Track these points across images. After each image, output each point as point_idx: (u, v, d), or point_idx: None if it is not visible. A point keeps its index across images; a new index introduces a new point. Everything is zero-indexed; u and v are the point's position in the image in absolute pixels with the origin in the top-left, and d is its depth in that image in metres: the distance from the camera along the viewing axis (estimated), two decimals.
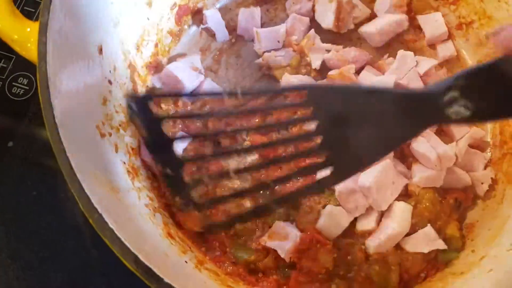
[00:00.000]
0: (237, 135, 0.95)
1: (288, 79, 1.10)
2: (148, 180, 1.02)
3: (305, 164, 0.78)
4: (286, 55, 1.14)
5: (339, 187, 0.97)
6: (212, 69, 1.18)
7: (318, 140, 0.75)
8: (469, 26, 1.15)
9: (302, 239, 0.95)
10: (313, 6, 1.18)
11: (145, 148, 0.98)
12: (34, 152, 1.16)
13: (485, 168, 1.07)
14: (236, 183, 0.96)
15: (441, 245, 0.97)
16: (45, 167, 1.13)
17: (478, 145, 1.09)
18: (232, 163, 0.88)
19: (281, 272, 0.98)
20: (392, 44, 1.17)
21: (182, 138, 0.90)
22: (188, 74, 1.10)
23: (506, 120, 1.05)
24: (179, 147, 0.92)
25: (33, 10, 1.26)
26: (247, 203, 0.92)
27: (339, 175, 0.75)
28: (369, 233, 0.98)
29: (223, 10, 1.21)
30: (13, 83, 1.19)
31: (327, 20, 1.15)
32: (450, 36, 1.17)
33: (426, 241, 0.97)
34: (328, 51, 1.13)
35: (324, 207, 0.99)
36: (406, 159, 1.04)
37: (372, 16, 1.18)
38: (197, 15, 1.20)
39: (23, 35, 0.84)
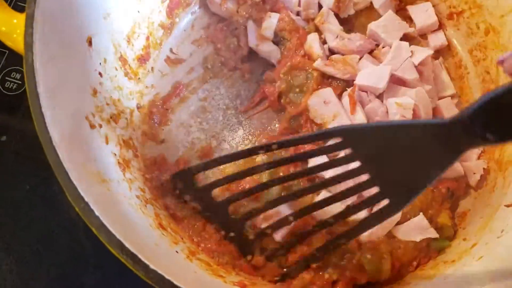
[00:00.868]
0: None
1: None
2: (140, 172, 1.03)
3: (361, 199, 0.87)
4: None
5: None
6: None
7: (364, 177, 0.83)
8: (459, 15, 1.15)
9: (296, 224, 0.97)
10: None
11: None
12: (27, 146, 1.16)
13: (478, 158, 1.08)
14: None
15: (432, 233, 0.97)
16: (38, 161, 1.11)
17: None
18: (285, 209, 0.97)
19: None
20: None
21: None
22: None
23: None
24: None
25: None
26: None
27: (396, 205, 0.82)
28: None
29: None
30: (6, 78, 1.19)
31: (328, 0, 1.14)
32: (441, 26, 1.17)
33: (418, 229, 0.98)
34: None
35: None
36: None
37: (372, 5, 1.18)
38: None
39: (9, 26, 0.85)
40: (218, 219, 0.99)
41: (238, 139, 1.13)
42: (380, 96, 1.07)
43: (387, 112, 1.05)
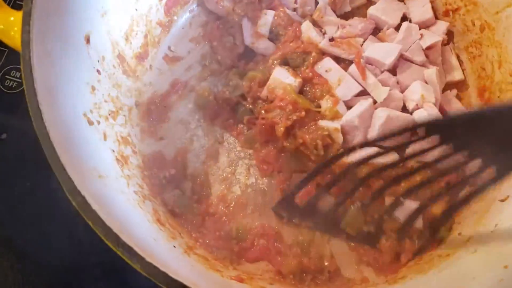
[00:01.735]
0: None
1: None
2: (139, 169, 1.04)
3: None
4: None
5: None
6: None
7: None
8: (455, 12, 1.15)
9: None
10: None
11: None
12: (27, 144, 1.16)
13: None
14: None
15: None
16: (38, 159, 1.14)
17: None
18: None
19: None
20: None
21: None
22: None
23: None
24: None
25: None
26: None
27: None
28: None
29: None
30: (6, 76, 1.20)
31: None
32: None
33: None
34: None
35: None
36: None
37: (368, 4, 1.19)
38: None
39: (7, 24, 0.86)
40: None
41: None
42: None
43: (397, 83, 1.08)
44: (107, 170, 0.90)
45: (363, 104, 1.04)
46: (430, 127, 0.91)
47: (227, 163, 1.11)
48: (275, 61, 1.11)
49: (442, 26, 1.15)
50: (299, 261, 0.99)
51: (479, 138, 0.86)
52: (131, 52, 1.11)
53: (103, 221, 0.71)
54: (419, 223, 1.00)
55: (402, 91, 1.08)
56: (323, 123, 1.04)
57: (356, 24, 1.13)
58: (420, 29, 1.13)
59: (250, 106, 1.11)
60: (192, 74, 1.18)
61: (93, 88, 0.96)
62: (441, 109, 1.07)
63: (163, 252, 0.85)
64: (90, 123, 0.91)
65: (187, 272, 0.84)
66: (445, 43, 1.14)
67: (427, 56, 1.10)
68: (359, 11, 1.20)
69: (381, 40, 1.13)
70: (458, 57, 1.16)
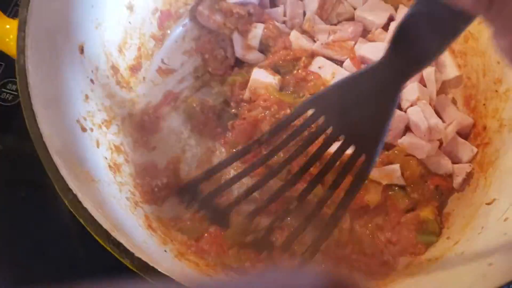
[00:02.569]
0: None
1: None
2: (131, 177, 1.05)
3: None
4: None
5: None
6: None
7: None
8: None
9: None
10: None
11: None
12: (23, 156, 1.19)
13: (470, 161, 1.09)
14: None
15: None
16: (34, 170, 1.16)
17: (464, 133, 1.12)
18: None
19: None
20: None
21: None
22: None
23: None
24: None
25: None
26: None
27: (368, 160, 0.88)
28: None
29: None
30: (3, 89, 1.22)
31: (311, 6, 1.19)
32: None
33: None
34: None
35: None
36: None
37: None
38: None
39: (2, 32, 0.89)
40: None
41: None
42: None
43: None
44: (100, 176, 0.92)
45: None
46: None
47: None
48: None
49: None
50: None
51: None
52: (124, 64, 1.13)
53: (93, 218, 0.72)
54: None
55: None
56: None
57: (346, 28, 1.17)
58: None
59: (234, 111, 1.14)
60: (185, 86, 1.20)
61: (87, 97, 0.98)
62: (435, 112, 1.10)
63: (154, 255, 0.86)
64: (83, 129, 0.93)
65: (177, 273, 0.85)
66: None
67: None
68: None
69: (371, 41, 1.16)
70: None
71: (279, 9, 1.21)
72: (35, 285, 1.07)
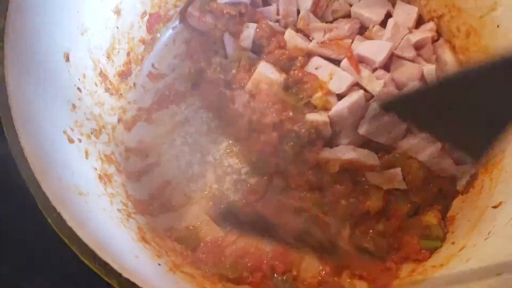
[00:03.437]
0: None
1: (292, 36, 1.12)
2: (123, 187, 1.02)
3: None
4: None
5: None
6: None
7: None
8: (440, 19, 1.14)
9: None
10: None
11: None
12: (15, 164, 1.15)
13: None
14: None
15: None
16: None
17: None
18: None
19: None
20: None
21: None
22: None
23: None
24: None
25: None
26: None
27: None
28: None
29: None
30: None
31: (305, 3, 1.15)
32: None
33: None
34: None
35: None
36: None
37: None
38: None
39: None
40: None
41: (222, 151, 1.12)
42: None
43: (392, 80, 1.06)
44: (88, 188, 0.88)
45: (353, 96, 1.02)
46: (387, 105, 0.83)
47: (214, 180, 1.09)
48: None
49: (429, 25, 1.14)
50: None
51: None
52: (113, 70, 1.10)
53: (79, 237, 0.69)
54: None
55: (399, 89, 1.06)
56: (310, 116, 1.02)
57: (343, 26, 1.13)
58: None
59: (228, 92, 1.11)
60: (176, 91, 1.17)
61: (74, 106, 0.94)
62: None
63: (145, 270, 0.83)
64: (70, 140, 0.90)
65: None
66: (435, 40, 1.13)
67: (420, 55, 1.10)
68: None
69: (369, 38, 1.12)
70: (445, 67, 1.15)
71: (272, 8, 1.17)
72: None
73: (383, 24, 1.14)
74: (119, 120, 1.09)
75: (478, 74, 0.70)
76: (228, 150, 1.13)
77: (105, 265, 0.67)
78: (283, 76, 1.07)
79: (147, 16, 1.16)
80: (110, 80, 1.08)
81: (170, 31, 1.21)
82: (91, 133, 0.98)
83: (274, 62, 1.09)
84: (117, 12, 1.08)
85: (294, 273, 1.00)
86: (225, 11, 1.13)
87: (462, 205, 1.03)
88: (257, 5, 1.18)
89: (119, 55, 1.11)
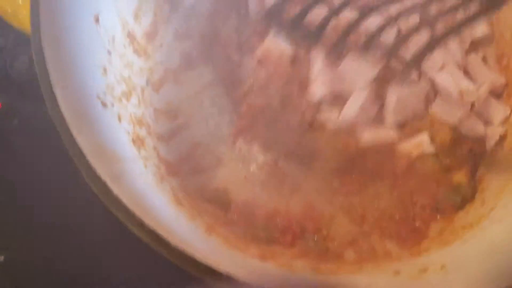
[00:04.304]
0: None
1: None
2: (155, 150, 1.02)
3: None
4: None
5: None
6: None
7: None
8: None
9: None
10: None
11: None
12: (39, 130, 1.15)
13: (504, 122, 1.05)
14: None
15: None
16: (50, 145, 1.13)
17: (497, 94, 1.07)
18: None
19: None
20: None
21: None
22: None
23: None
24: None
25: None
26: None
27: None
28: None
29: None
30: (15, 61, 1.18)
31: None
32: None
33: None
34: None
35: None
36: None
37: None
38: None
39: (15, 7, 0.84)
40: None
41: None
42: None
43: None
44: (124, 153, 0.89)
45: None
46: None
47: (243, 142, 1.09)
48: None
49: None
50: None
51: None
52: (141, 31, 1.09)
53: (125, 206, 0.70)
54: None
55: None
56: None
57: None
58: None
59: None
60: (204, 49, 1.15)
61: (105, 70, 0.94)
62: (466, 73, 1.05)
63: (185, 234, 0.85)
64: (104, 105, 0.90)
65: (211, 253, 0.83)
66: None
67: None
68: None
69: None
70: None
71: None
72: None
73: None
74: (147, 82, 1.09)
75: None
76: None
77: (153, 234, 0.69)
78: (291, 48, 1.03)
79: None
80: (137, 41, 1.07)
81: None
82: (122, 96, 0.98)
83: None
84: None
85: (324, 232, 1.02)
86: None
87: (492, 166, 1.03)
88: None
89: (146, 15, 1.10)
